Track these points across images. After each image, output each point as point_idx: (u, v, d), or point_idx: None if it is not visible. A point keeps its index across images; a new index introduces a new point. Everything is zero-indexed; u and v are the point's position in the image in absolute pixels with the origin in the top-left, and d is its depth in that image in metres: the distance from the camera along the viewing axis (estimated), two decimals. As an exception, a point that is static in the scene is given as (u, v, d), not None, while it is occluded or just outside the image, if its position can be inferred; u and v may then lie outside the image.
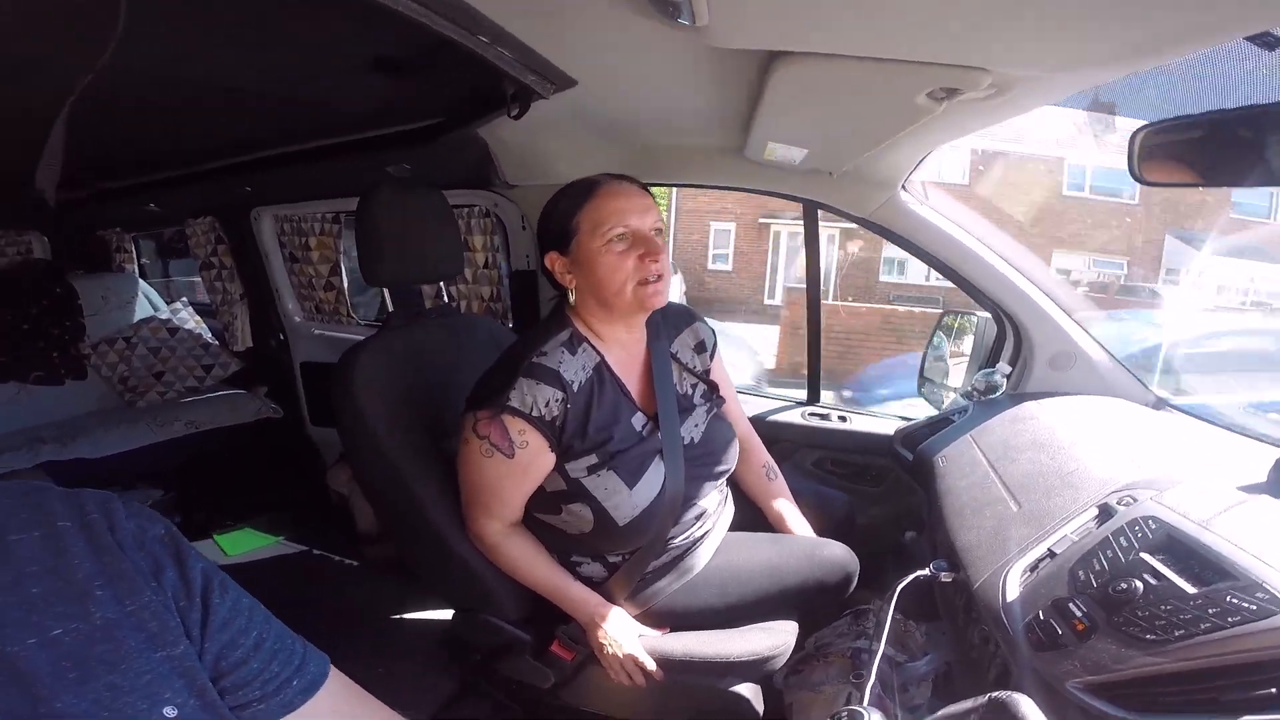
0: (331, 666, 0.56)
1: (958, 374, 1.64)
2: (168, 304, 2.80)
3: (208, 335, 2.74)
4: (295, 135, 1.70)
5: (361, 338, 2.31)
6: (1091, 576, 0.74)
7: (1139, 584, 0.68)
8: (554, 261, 1.07)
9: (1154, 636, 0.64)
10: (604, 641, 1.06)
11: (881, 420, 1.73)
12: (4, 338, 2.31)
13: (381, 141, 1.60)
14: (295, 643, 0.55)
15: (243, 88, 1.26)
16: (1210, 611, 0.62)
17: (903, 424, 1.63)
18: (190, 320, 2.74)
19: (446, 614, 1.24)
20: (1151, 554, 0.71)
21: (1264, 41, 0.63)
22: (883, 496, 1.69)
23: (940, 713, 0.62)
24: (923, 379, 1.71)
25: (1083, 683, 0.68)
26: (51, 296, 2.44)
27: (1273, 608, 0.58)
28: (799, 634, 1.18)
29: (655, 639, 1.09)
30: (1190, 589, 0.65)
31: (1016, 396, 1.41)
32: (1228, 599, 0.61)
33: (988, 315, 1.53)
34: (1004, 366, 1.46)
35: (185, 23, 0.93)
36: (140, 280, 2.87)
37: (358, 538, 2.16)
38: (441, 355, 1.30)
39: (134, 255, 2.99)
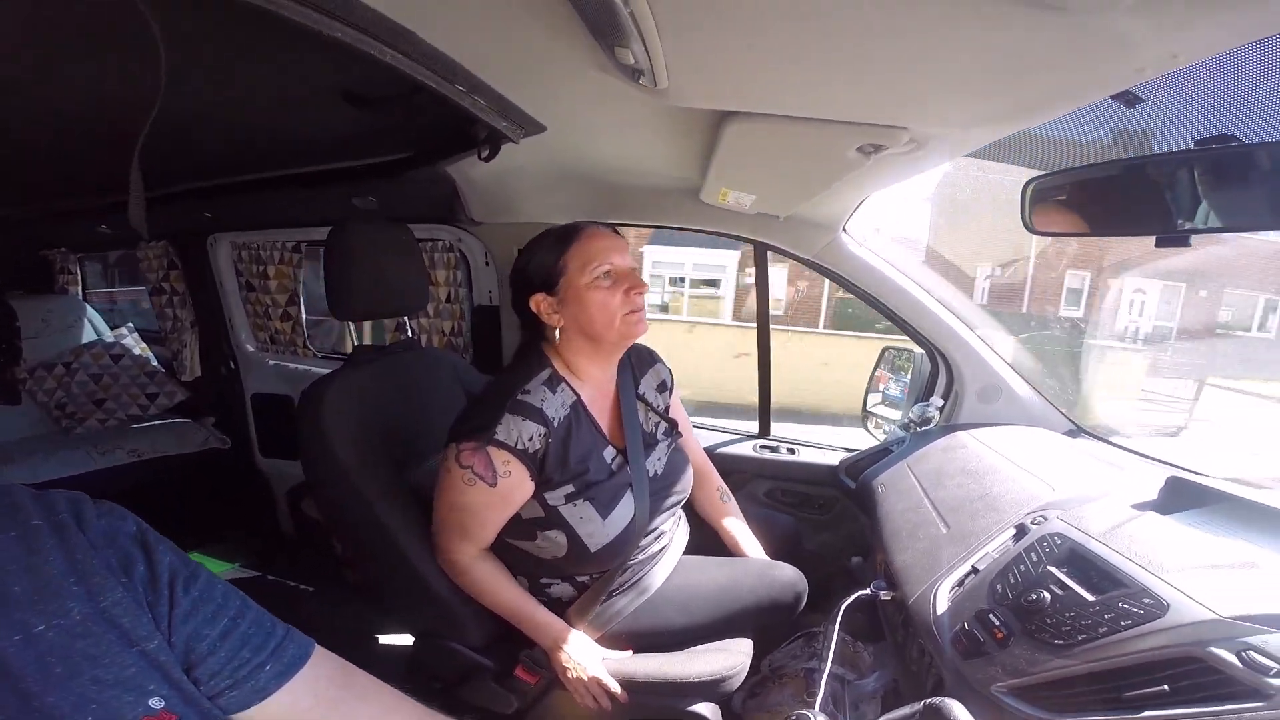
0: (319, 651, 0.57)
1: (893, 408, 1.75)
2: (112, 329, 2.71)
3: (154, 362, 2.65)
4: (258, 163, 1.70)
5: (317, 369, 2.30)
6: (1008, 589, 0.82)
7: (1047, 594, 0.76)
8: (540, 303, 1.13)
9: (1061, 641, 0.72)
10: (568, 665, 1.08)
11: (828, 452, 1.81)
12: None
13: (348, 173, 1.62)
14: (276, 628, 0.56)
15: (205, 115, 1.27)
16: (1106, 616, 0.70)
17: (847, 454, 1.72)
18: (136, 346, 2.65)
19: (407, 640, 1.24)
20: (1057, 567, 0.79)
21: (1125, 100, 0.74)
22: (830, 524, 1.76)
23: (886, 717, 0.68)
24: (865, 412, 1.81)
25: (1005, 686, 0.74)
26: (-14, 314, 2.33)
27: (1157, 611, 0.67)
28: (754, 652, 1.22)
29: (618, 661, 1.12)
30: (1089, 597, 0.73)
31: (949, 427, 1.52)
32: (1120, 605, 0.70)
33: (923, 352, 1.64)
34: (937, 400, 1.57)
35: (145, 51, 0.96)
36: (85, 305, 2.77)
37: (339, 562, 2.12)
38: (406, 389, 1.32)
39: (78, 277, 2.88)
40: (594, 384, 1.18)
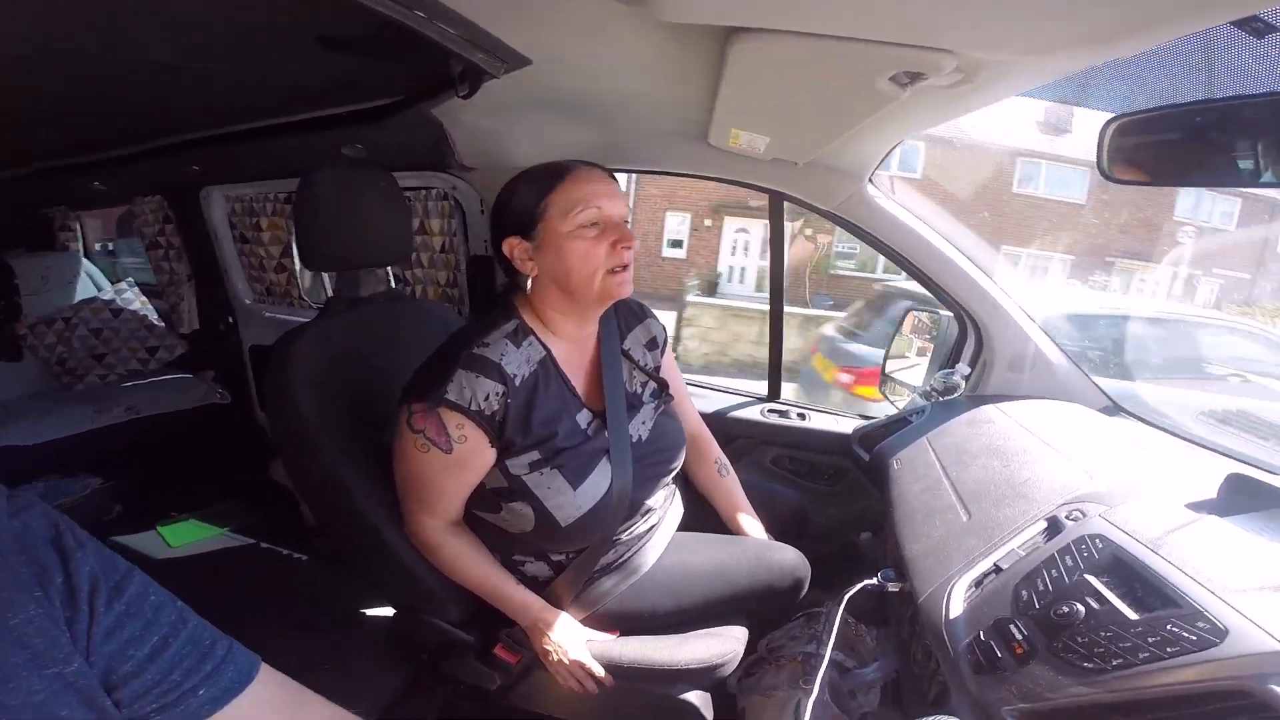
0: (264, 670, 0.52)
1: (919, 373, 1.62)
2: (113, 284, 2.67)
3: (153, 316, 2.62)
4: (244, 114, 1.61)
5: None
6: (1035, 597, 0.72)
7: (1081, 607, 0.66)
8: (514, 247, 1.00)
9: (1091, 665, 0.62)
10: (548, 647, 1.02)
11: (841, 419, 1.70)
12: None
13: (333, 120, 1.52)
14: (215, 646, 0.50)
15: (181, 65, 1.18)
16: (1150, 640, 0.59)
17: (862, 423, 1.61)
18: (135, 301, 2.61)
19: (389, 611, 1.20)
20: (1096, 575, 0.68)
21: (1253, 28, 0.59)
22: (840, 496, 1.67)
23: None
24: (884, 377, 1.69)
25: (1016, 710, 0.65)
26: (-16, 272, 2.31)
27: (1212, 639, 0.56)
28: (752, 635, 1.16)
29: (603, 644, 1.06)
30: (1132, 615, 0.62)
31: (975, 398, 1.40)
32: (1168, 627, 0.59)
33: (950, 314, 1.50)
34: (963, 367, 1.44)
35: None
36: (85, 260, 2.73)
37: (305, 530, 2.09)
38: (385, 343, 1.23)
39: (79, 234, 2.84)
40: (569, 339, 1.06)
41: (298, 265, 2.29)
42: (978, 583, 0.82)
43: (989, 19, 0.66)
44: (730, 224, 13.37)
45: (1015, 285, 1.41)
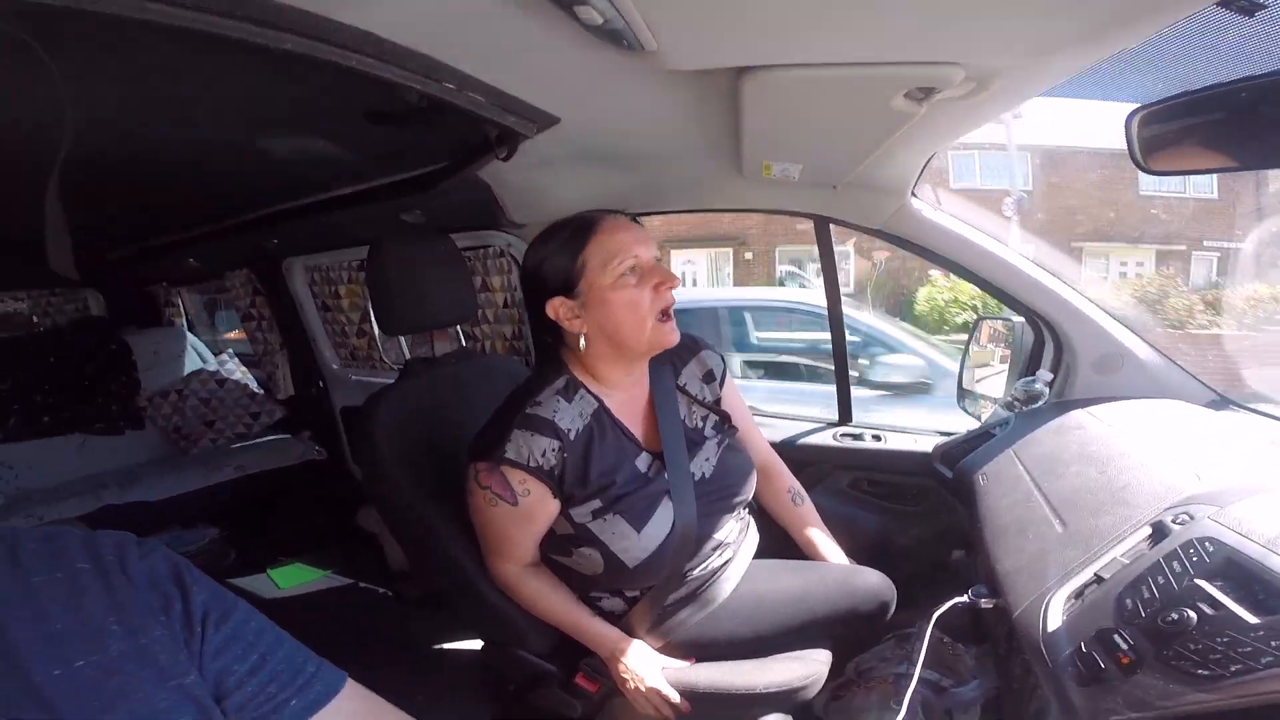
0: (349, 684, 0.58)
1: (997, 383, 1.55)
2: (215, 356, 2.93)
3: (254, 385, 2.85)
4: (310, 188, 1.76)
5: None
6: (1140, 605, 0.67)
7: (1192, 614, 0.61)
8: (558, 308, 1.01)
9: (1207, 672, 0.58)
10: (625, 675, 1.03)
11: (920, 437, 1.64)
12: (66, 392, 2.48)
13: (389, 189, 1.64)
14: (307, 664, 0.56)
15: (247, 145, 1.31)
16: (1273, 644, 0.55)
17: (942, 439, 1.55)
18: (237, 371, 2.86)
19: (479, 644, 1.25)
20: (1209, 580, 0.63)
21: (1240, 8, 0.57)
22: (924, 516, 1.59)
23: None
24: (961, 390, 1.62)
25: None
26: (108, 352, 2.60)
27: None
28: (838, 660, 1.14)
29: (679, 671, 1.06)
30: (1252, 619, 0.58)
31: (1061, 405, 1.32)
32: None
33: (1022, 320, 1.44)
34: (1044, 374, 1.37)
35: (161, 90, 0.99)
36: (189, 334, 3.02)
37: (391, 575, 2.20)
38: (459, 398, 1.30)
39: (181, 309, 3.14)
40: (620, 388, 1.08)
41: (376, 330, 2.44)
42: (1077, 594, 0.77)
43: (984, 27, 0.66)
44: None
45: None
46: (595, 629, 1.06)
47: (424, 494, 1.12)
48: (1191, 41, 0.75)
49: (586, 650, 1.08)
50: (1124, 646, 0.65)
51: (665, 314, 1.00)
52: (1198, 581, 0.64)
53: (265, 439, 2.69)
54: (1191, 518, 0.75)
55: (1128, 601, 0.68)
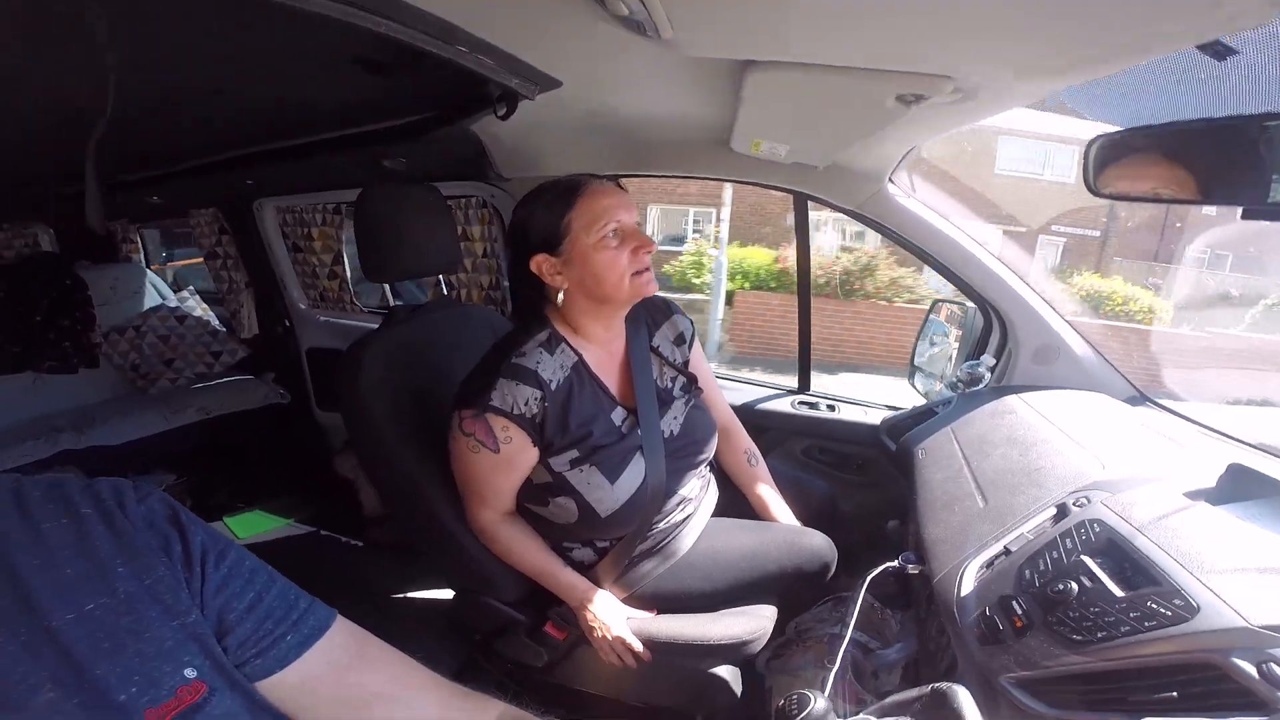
0: (340, 621, 0.61)
1: (947, 364, 1.66)
2: (175, 292, 2.86)
3: (215, 322, 2.80)
4: (290, 131, 1.72)
5: (365, 324, 2.38)
6: (1036, 576, 0.77)
7: (1075, 586, 0.71)
8: (541, 264, 1.08)
9: (1080, 637, 0.67)
10: (593, 624, 1.11)
11: (870, 410, 1.75)
12: (17, 329, 2.37)
13: (375, 136, 1.61)
14: (300, 600, 0.60)
15: (231, 89, 1.28)
16: (1131, 615, 0.65)
17: (889, 414, 1.66)
18: (198, 308, 2.80)
19: (448, 593, 1.30)
20: (1091, 557, 0.74)
21: (1214, 51, 0.64)
22: (869, 485, 1.72)
23: (887, 700, 0.66)
24: (913, 368, 1.73)
25: (1015, 678, 0.72)
26: (60, 288, 2.49)
27: (1185, 614, 0.62)
28: (781, 619, 1.23)
29: (641, 621, 1.15)
30: (1119, 592, 0.68)
31: (999, 389, 1.43)
32: (1148, 604, 0.65)
33: (974, 307, 1.54)
34: (988, 359, 1.47)
35: (165, 39, 0.97)
36: (148, 270, 2.92)
37: (364, 521, 2.24)
38: (441, 346, 1.34)
39: (140, 245, 3.03)
40: (599, 343, 1.14)
41: (349, 272, 2.43)
42: (988, 564, 0.88)
43: (981, 46, 0.72)
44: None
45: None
46: (566, 578, 1.14)
47: (406, 441, 1.16)
48: (1159, 74, 0.81)
49: (554, 601, 1.16)
50: (1019, 611, 0.75)
51: (640, 272, 1.07)
52: (1083, 558, 0.74)
53: (228, 380, 2.66)
54: (1089, 501, 0.86)
55: (1026, 572, 0.79)
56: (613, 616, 1.12)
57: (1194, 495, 0.79)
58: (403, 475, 1.15)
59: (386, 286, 2.41)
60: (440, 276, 2.11)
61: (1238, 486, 0.80)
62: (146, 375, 2.56)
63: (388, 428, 1.15)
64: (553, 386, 1.05)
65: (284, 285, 2.55)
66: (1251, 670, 0.57)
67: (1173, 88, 0.76)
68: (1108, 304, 8.88)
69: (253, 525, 2.41)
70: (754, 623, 1.17)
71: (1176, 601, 0.63)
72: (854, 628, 1.12)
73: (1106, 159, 0.83)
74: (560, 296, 1.09)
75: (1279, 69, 0.64)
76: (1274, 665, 0.56)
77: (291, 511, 2.46)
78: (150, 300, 2.78)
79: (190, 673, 0.50)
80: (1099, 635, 0.66)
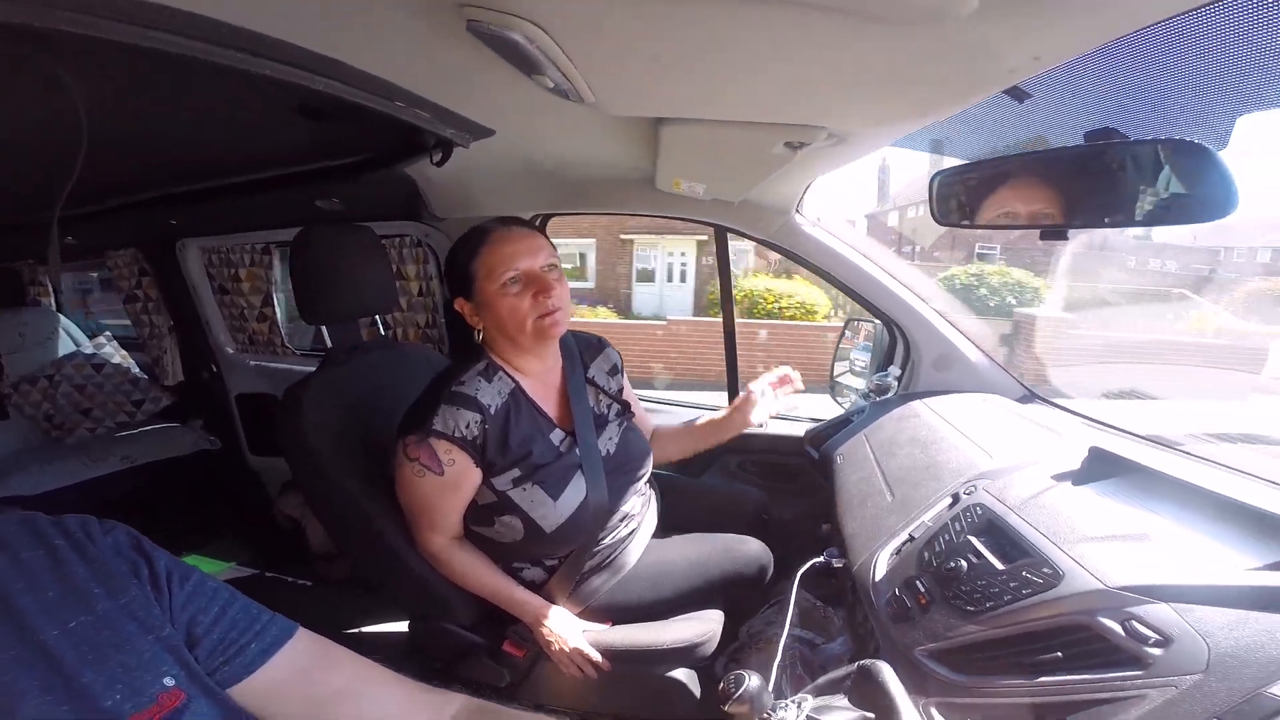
0: (301, 630, 0.66)
1: (861, 377, 1.81)
2: (90, 339, 2.73)
3: (136, 370, 2.68)
4: (220, 171, 1.71)
5: (297, 366, 2.34)
6: (933, 557, 0.88)
7: (964, 563, 0.81)
8: (462, 306, 1.18)
9: (973, 608, 0.77)
10: (550, 638, 1.15)
11: (796, 423, 1.88)
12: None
13: (310, 176, 1.63)
14: (262, 614, 0.64)
15: (166, 132, 1.28)
16: (1011, 585, 0.74)
17: (812, 425, 1.79)
18: (116, 355, 2.68)
19: (402, 625, 1.31)
20: (976, 536, 0.85)
21: (1015, 95, 0.78)
22: (799, 493, 1.83)
23: (822, 680, 0.73)
24: (832, 381, 1.87)
25: (926, 650, 0.80)
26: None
27: (1053, 581, 0.71)
28: (731, 625, 1.30)
29: (597, 633, 1.20)
30: (1000, 566, 0.78)
31: (906, 396, 1.58)
32: (1023, 574, 0.74)
33: (880, 323, 1.69)
34: (895, 370, 1.62)
35: (106, 80, 0.98)
36: (59, 315, 2.78)
37: (313, 558, 2.20)
38: (381, 385, 1.37)
39: (49, 288, 2.88)
40: (534, 374, 1.22)
41: (279, 313, 2.39)
42: (897, 551, 0.99)
43: (840, 104, 0.85)
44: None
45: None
46: (520, 596, 1.18)
47: (353, 476, 1.18)
48: (985, 116, 0.96)
49: (510, 620, 1.20)
50: (922, 590, 0.85)
51: (543, 316, 1.13)
52: (969, 537, 0.85)
53: (153, 427, 2.55)
54: (975, 488, 0.98)
55: (925, 555, 0.90)
56: (569, 630, 1.17)
57: (1060, 477, 0.92)
58: (352, 509, 1.17)
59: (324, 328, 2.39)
60: (377, 316, 2.12)
61: (1098, 467, 0.93)
62: (62, 425, 2.44)
63: (333, 464, 1.17)
64: (492, 410, 1.11)
65: (210, 328, 2.48)
66: (1117, 628, 0.64)
67: (996, 126, 0.91)
68: (761, 304, 10.45)
69: (191, 572, 2.30)
70: (703, 626, 1.23)
71: (1045, 570, 0.73)
72: (800, 626, 1.22)
73: (945, 192, 0.97)
74: (479, 335, 1.19)
75: (1061, 105, 0.80)
76: (1135, 623, 0.64)
77: (231, 555, 2.40)
78: (65, 347, 2.65)
79: (169, 681, 0.54)
80: (987, 605, 0.75)
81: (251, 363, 2.50)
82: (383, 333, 2.19)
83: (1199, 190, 0.69)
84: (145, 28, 0.63)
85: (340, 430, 1.21)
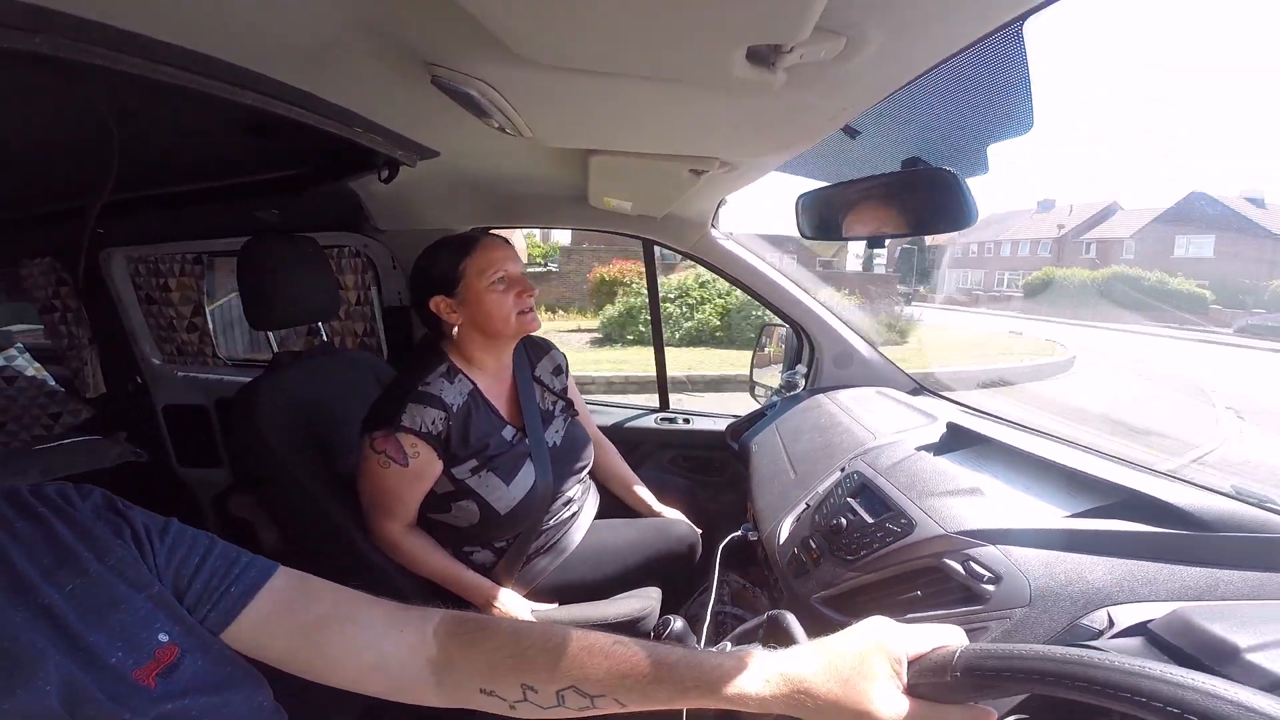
0: (281, 569, 0.67)
1: (775, 375, 2.01)
2: (1, 351, 2.60)
3: (51, 382, 2.58)
4: (156, 180, 1.71)
5: (230, 377, 2.32)
6: (822, 518, 1.05)
7: (844, 520, 0.98)
8: (440, 303, 1.28)
9: (851, 556, 0.91)
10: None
11: (719, 420, 2.06)
12: None
13: (250, 187, 1.67)
14: (241, 557, 0.65)
15: (101, 138, 1.23)
16: (878, 534, 0.90)
17: (732, 420, 1.97)
18: (29, 367, 2.56)
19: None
20: (853, 498, 1.02)
21: (849, 133, 0.97)
22: (726, 484, 2.00)
23: (738, 630, 0.82)
24: (751, 380, 2.07)
25: (820, 597, 0.94)
26: None
27: (908, 529, 0.86)
28: (668, 605, 1.40)
29: (545, 611, 1.30)
30: (869, 519, 0.94)
31: (812, 391, 1.78)
32: (886, 524, 0.90)
33: (788, 327, 1.90)
34: (801, 368, 1.83)
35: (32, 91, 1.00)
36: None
37: (268, 555, 2.19)
38: (329, 389, 1.44)
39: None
40: (490, 374, 1.34)
41: (210, 324, 2.38)
42: (797, 518, 1.15)
43: (723, 142, 1.03)
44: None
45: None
46: (470, 579, 1.28)
47: (309, 473, 1.25)
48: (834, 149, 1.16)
49: (461, 604, 1.28)
50: (814, 546, 1.00)
51: (524, 313, 1.29)
52: (848, 499, 1.03)
53: (75, 440, 2.46)
54: (857, 460, 1.16)
55: (816, 517, 1.07)
56: (518, 609, 1.27)
57: (922, 448, 1.11)
58: (309, 504, 1.24)
59: (271, 337, 2.38)
60: (321, 324, 2.15)
61: (952, 440, 1.13)
62: (-29, 441, 2.32)
63: (286, 461, 1.24)
64: (454, 409, 1.23)
65: (135, 340, 2.42)
66: (959, 568, 0.76)
67: (841, 155, 1.12)
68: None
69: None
70: (643, 602, 1.35)
71: (903, 520, 0.88)
72: (732, 604, 1.36)
73: (806, 209, 1.18)
74: (455, 331, 1.30)
75: (882, 142, 1.00)
76: (973, 563, 0.75)
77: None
78: (-28, 362, 2.51)
79: (163, 637, 0.56)
80: (861, 553, 0.90)
81: (179, 374, 2.46)
82: (326, 339, 2.22)
83: (954, 207, 0.90)
84: (118, 52, 0.64)
85: (293, 428, 1.28)
